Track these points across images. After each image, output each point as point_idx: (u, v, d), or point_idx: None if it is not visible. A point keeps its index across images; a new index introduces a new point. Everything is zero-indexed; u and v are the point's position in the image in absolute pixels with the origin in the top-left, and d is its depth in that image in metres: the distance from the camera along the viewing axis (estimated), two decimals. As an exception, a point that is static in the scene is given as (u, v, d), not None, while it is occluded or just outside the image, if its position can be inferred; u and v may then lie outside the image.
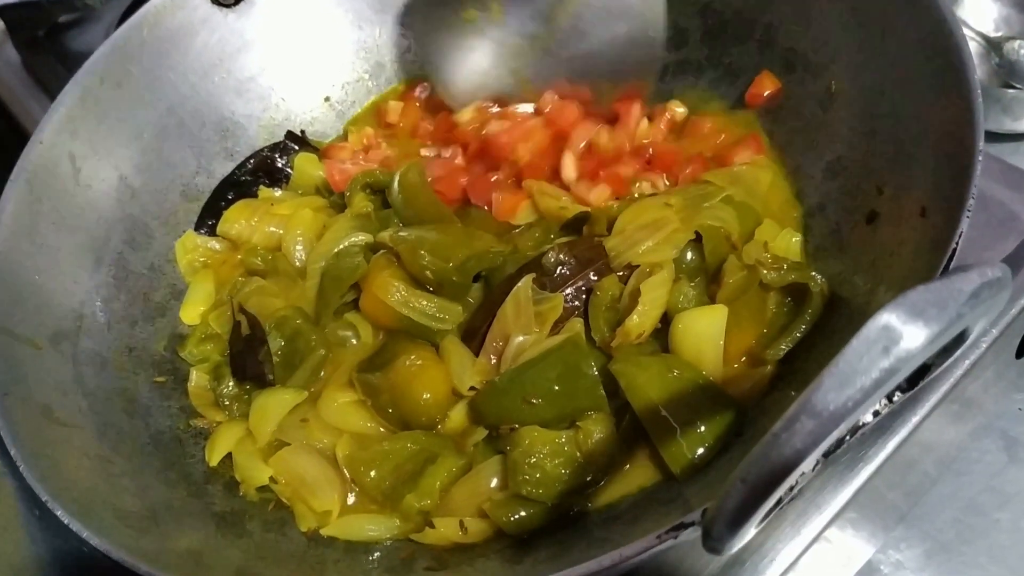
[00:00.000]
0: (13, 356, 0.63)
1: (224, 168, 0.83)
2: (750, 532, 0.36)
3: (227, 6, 0.82)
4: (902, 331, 0.31)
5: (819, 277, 0.60)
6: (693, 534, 0.43)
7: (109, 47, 0.77)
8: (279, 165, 0.84)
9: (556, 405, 0.61)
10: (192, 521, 0.60)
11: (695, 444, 0.56)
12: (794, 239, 0.66)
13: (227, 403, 0.69)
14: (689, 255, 0.66)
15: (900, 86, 0.61)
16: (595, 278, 0.66)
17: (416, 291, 0.68)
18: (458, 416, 0.64)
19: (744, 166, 0.72)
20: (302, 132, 0.86)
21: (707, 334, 0.61)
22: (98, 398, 0.66)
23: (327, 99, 0.88)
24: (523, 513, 0.58)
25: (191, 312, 0.75)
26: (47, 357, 0.65)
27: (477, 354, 0.65)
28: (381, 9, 0.87)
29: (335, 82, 0.88)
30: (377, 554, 0.61)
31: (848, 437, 0.43)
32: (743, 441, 0.56)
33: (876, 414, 0.43)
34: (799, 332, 0.60)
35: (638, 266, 0.65)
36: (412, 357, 0.65)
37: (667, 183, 0.74)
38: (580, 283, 0.66)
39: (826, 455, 0.42)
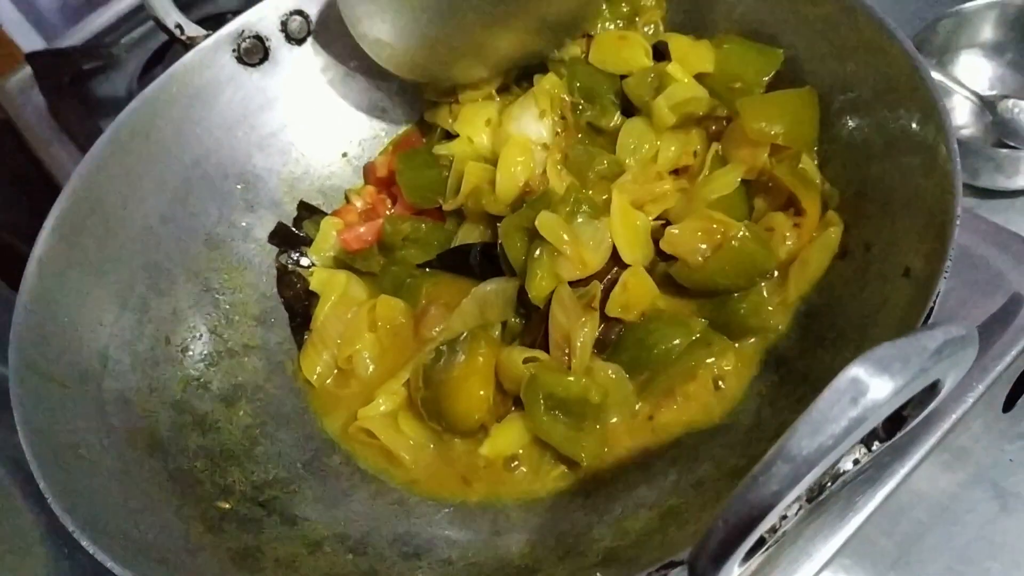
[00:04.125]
0: (42, 395, 0.66)
1: (245, 218, 0.86)
2: (734, 570, 0.39)
3: (252, 65, 0.87)
4: (869, 383, 0.34)
5: None
6: (682, 574, 0.46)
7: (140, 102, 0.81)
8: (296, 232, 0.88)
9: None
10: (208, 556, 0.63)
11: None
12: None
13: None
14: None
15: (887, 150, 0.65)
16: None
17: None
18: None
19: None
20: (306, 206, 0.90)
21: None
22: (120, 436, 0.68)
23: (344, 155, 0.92)
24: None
25: None
26: (73, 396, 0.68)
27: None
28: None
29: (352, 139, 0.91)
30: None
31: (830, 484, 0.45)
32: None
33: (856, 462, 0.46)
34: None
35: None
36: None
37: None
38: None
39: (810, 500, 0.45)
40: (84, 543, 0.55)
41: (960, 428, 0.68)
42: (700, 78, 0.75)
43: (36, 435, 0.62)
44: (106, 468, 0.65)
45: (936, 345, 0.35)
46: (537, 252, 0.68)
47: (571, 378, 0.66)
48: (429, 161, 0.83)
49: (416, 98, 0.92)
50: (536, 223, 0.68)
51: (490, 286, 0.74)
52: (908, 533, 0.74)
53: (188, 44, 0.84)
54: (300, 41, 0.89)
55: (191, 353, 0.78)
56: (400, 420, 0.73)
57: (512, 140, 0.77)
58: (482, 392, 0.68)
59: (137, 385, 0.73)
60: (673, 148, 0.74)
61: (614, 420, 0.67)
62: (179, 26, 0.84)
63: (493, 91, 0.83)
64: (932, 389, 0.40)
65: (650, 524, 0.62)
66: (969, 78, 0.99)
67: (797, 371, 0.65)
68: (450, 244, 0.81)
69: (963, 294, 0.70)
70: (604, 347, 0.70)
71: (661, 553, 0.50)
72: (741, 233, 0.66)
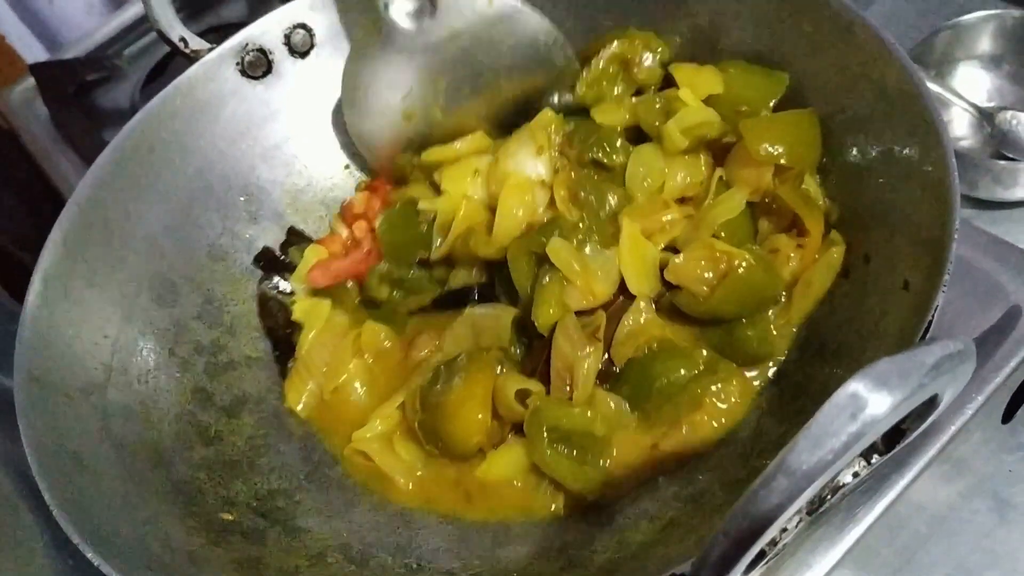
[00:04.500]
0: (46, 406, 0.67)
1: (248, 230, 0.86)
2: (736, 582, 0.39)
3: (256, 78, 0.87)
4: (868, 399, 0.34)
5: None
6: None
7: (144, 114, 0.82)
8: (280, 258, 0.88)
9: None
10: (211, 567, 0.63)
11: None
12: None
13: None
14: None
15: (886, 163, 0.65)
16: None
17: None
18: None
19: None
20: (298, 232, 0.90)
21: None
22: (124, 447, 0.69)
23: (347, 167, 0.92)
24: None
25: None
26: (77, 408, 0.69)
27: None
28: (400, 83, 0.92)
29: (355, 151, 0.91)
30: None
31: (830, 496, 0.46)
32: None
33: (856, 475, 0.46)
34: None
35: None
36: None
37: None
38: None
39: (810, 512, 0.46)
40: (88, 554, 0.55)
41: (959, 439, 0.68)
42: (708, 103, 0.75)
43: (40, 446, 0.63)
44: (110, 479, 0.65)
45: (934, 360, 0.36)
46: (546, 279, 0.68)
47: (576, 410, 0.65)
48: (412, 221, 0.80)
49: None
50: (547, 249, 0.68)
51: (481, 310, 0.73)
52: (908, 544, 0.74)
53: (192, 57, 0.84)
54: (303, 54, 0.89)
55: (194, 364, 0.79)
56: (396, 443, 0.72)
57: (512, 180, 0.75)
58: (480, 416, 0.67)
59: (140, 396, 0.74)
60: (680, 175, 0.72)
61: (616, 451, 0.67)
62: (183, 39, 0.84)
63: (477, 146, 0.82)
64: (931, 403, 0.41)
65: (651, 536, 0.62)
66: (967, 90, 0.99)
67: (797, 384, 0.65)
68: (442, 289, 0.79)
69: (962, 305, 0.71)
70: (606, 378, 0.69)
71: (662, 565, 0.51)
72: (746, 262, 0.65)
